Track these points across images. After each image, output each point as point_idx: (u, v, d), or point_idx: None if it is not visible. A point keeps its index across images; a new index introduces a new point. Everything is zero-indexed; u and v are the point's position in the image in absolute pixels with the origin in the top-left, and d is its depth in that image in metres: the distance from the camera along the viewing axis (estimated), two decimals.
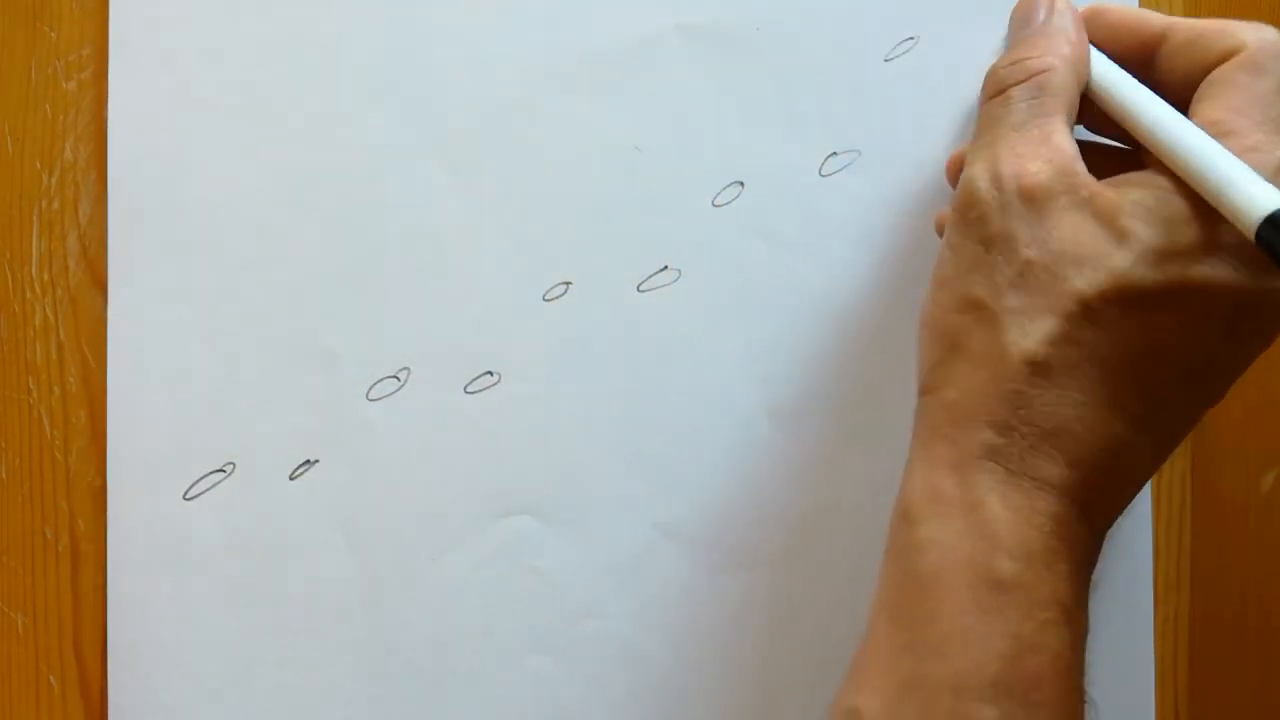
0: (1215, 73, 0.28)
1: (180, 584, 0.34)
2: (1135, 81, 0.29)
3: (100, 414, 0.35)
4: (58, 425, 0.35)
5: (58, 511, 0.35)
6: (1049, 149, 0.27)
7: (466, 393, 0.35)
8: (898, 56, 0.35)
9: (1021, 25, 0.31)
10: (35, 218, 0.35)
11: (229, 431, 0.35)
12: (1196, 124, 0.27)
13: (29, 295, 0.35)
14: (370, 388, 0.35)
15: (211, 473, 0.35)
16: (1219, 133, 0.26)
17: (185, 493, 0.35)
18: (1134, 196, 0.26)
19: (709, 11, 0.35)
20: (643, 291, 0.35)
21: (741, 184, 0.35)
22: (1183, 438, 0.28)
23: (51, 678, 0.35)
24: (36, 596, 0.35)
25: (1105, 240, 0.26)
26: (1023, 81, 0.29)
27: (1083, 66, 0.29)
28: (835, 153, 0.35)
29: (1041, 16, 0.30)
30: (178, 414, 0.35)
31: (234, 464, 0.35)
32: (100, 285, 0.35)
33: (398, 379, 0.35)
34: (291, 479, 0.35)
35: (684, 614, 0.35)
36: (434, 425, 0.35)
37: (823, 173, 0.35)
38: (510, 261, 0.35)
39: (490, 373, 0.35)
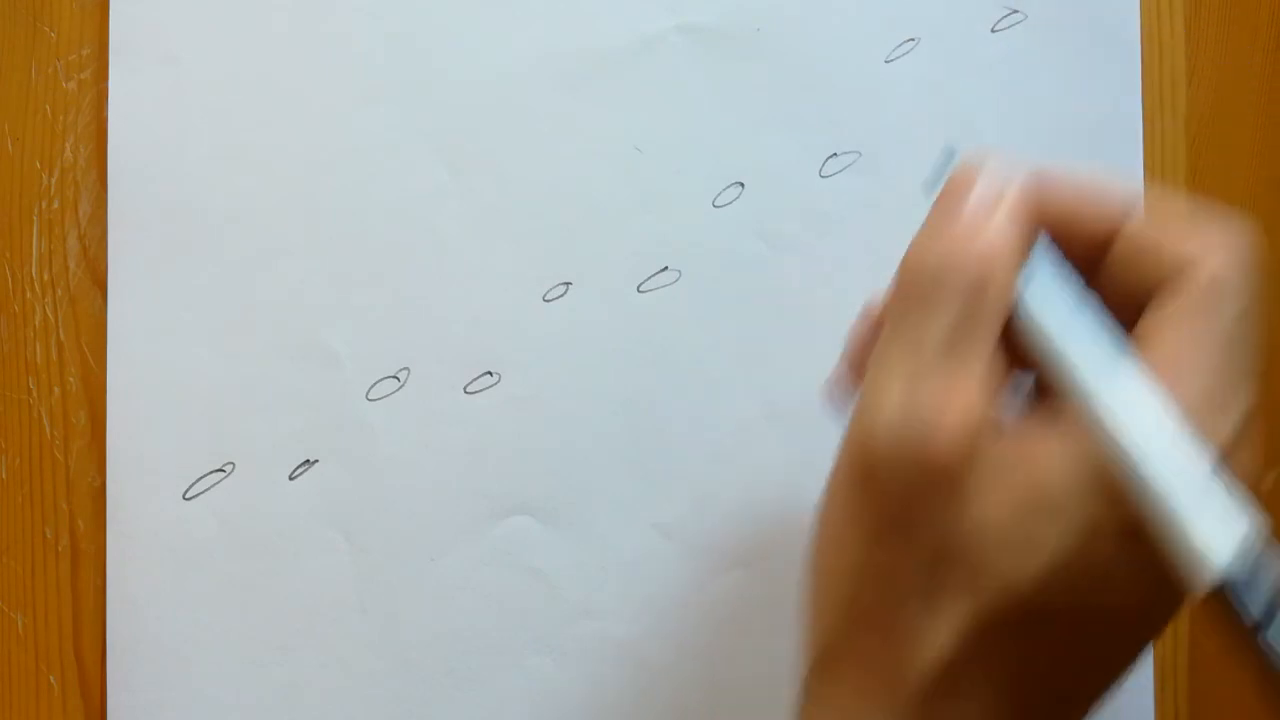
0: (1167, 309, 0.23)
1: (180, 584, 0.34)
2: (1071, 309, 0.24)
3: (100, 414, 0.35)
4: (58, 425, 0.35)
5: (58, 511, 0.35)
6: (967, 398, 0.22)
7: (466, 393, 0.35)
8: (898, 57, 0.35)
9: (960, 194, 0.24)
10: (35, 218, 0.35)
11: (229, 431, 0.35)
12: (1140, 371, 0.22)
13: (29, 295, 0.35)
14: (370, 388, 0.35)
15: (211, 473, 0.35)
16: (1162, 390, 0.22)
17: (185, 493, 0.35)
18: (1058, 476, 0.22)
19: (709, 12, 0.35)
20: (643, 291, 0.35)
21: (741, 184, 0.35)
22: None
23: (51, 678, 0.35)
24: (36, 596, 0.35)
25: (1017, 547, 0.22)
26: (956, 286, 0.23)
27: (1017, 269, 0.24)
28: (835, 153, 0.35)
29: (986, 190, 0.24)
30: (177, 414, 0.35)
31: (234, 464, 0.35)
32: (100, 285, 0.35)
33: (398, 379, 0.35)
34: (291, 479, 0.35)
35: (682, 614, 0.35)
36: (434, 425, 0.35)
37: (823, 173, 0.35)
38: (510, 261, 0.35)
39: (490, 373, 0.35)
